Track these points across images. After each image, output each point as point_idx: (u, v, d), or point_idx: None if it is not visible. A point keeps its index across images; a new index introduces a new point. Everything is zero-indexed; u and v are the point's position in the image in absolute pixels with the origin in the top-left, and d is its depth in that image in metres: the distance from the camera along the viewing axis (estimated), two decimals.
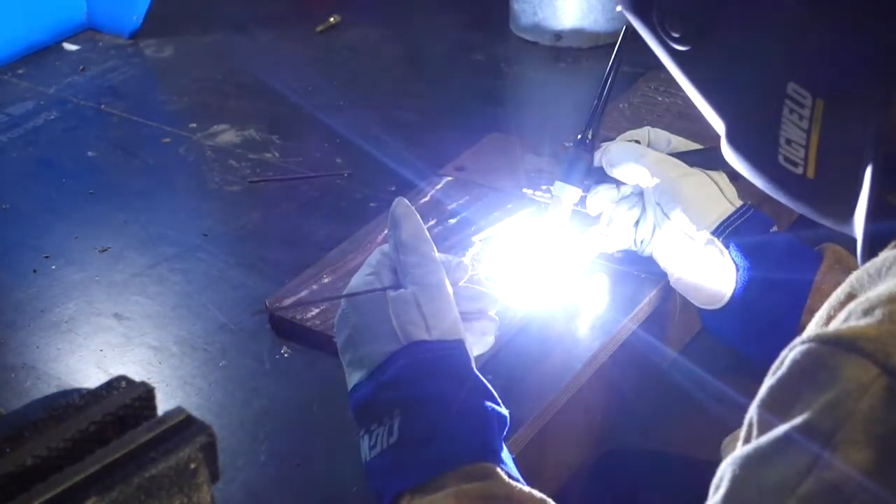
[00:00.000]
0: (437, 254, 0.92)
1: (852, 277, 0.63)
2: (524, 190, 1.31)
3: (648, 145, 1.13)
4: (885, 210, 0.67)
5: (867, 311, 0.58)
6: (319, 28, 1.86)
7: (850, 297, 0.62)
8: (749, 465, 0.57)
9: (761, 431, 0.58)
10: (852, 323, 0.58)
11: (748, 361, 1.07)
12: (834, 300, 0.63)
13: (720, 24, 0.73)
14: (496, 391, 0.89)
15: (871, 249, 0.66)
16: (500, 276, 1.10)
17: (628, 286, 1.16)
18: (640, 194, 1.13)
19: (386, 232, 1.22)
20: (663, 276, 1.13)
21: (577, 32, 1.76)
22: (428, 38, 1.86)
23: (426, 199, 1.30)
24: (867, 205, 0.67)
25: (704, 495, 0.60)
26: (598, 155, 1.11)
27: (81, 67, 1.76)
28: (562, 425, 1.06)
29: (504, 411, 0.87)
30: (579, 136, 1.11)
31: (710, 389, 1.08)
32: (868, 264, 0.63)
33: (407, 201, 0.94)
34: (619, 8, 0.82)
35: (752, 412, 0.60)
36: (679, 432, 1.10)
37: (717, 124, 0.77)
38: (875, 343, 0.55)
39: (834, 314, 0.62)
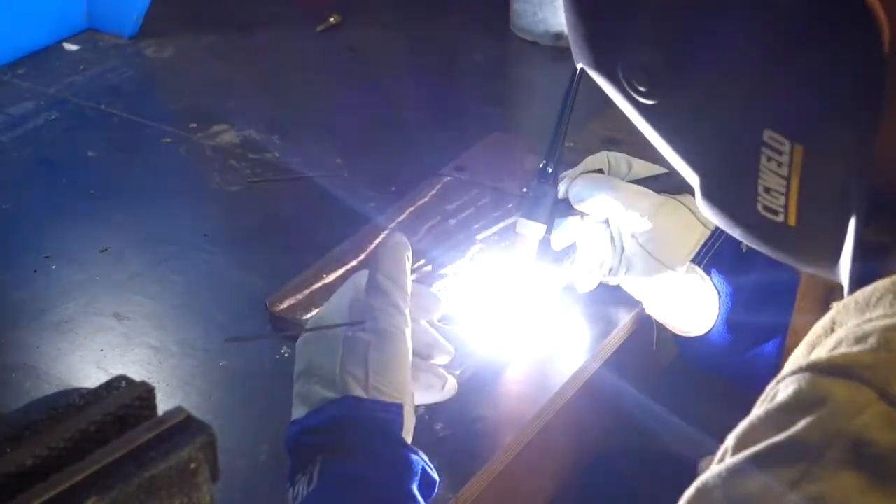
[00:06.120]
0: (408, 295, 0.88)
1: (839, 306, 0.61)
2: (524, 190, 1.31)
3: (609, 171, 1.09)
4: (870, 251, 0.65)
5: (860, 339, 0.56)
6: (319, 28, 1.86)
7: (836, 326, 0.60)
8: (722, 476, 0.55)
9: (736, 453, 0.56)
10: (843, 350, 0.56)
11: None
12: (819, 329, 0.62)
13: (688, 76, 0.70)
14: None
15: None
16: (464, 315, 1.07)
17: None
18: (605, 222, 1.09)
19: (384, 234, 1.23)
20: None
21: None
22: (428, 38, 1.86)
23: (426, 199, 1.30)
24: (853, 247, 0.65)
25: None
26: (562, 187, 1.07)
27: (81, 67, 1.76)
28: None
29: (434, 475, 0.84)
30: (541, 166, 1.05)
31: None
32: (854, 295, 0.61)
33: (402, 237, 0.91)
34: (578, 65, 0.78)
35: (729, 441, 0.57)
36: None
37: (691, 177, 0.74)
38: (872, 370, 0.53)
39: (819, 343, 0.60)
